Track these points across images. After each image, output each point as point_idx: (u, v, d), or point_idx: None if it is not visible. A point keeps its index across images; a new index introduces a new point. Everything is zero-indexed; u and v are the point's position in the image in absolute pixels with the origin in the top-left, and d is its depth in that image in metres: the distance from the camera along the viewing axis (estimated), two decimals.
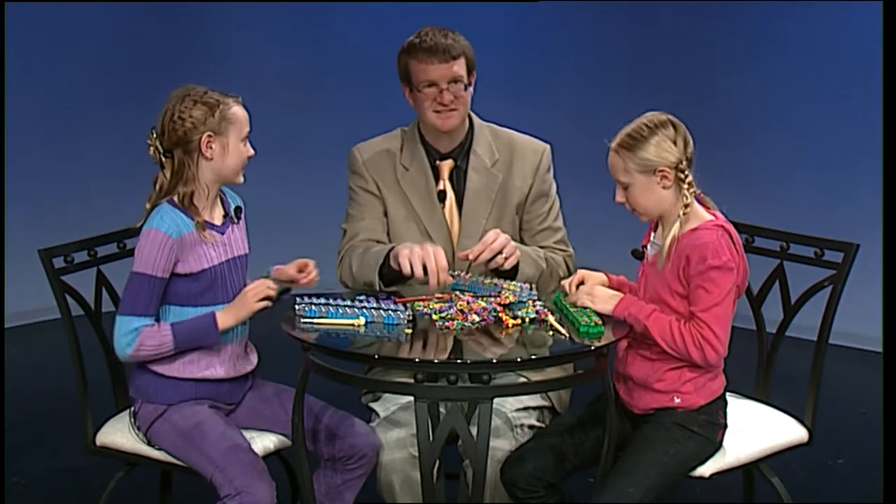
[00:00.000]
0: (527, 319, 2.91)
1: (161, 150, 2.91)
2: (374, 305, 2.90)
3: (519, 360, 2.72)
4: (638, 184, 2.86)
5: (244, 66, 6.11)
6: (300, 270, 3.02)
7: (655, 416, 2.94)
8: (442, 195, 3.33)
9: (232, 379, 3.03)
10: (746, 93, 5.83)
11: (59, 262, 3.07)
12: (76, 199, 5.80)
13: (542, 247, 3.36)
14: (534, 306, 2.96)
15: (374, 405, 3.24)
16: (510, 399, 3.14)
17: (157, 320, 2.93)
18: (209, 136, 2.89)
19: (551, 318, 2.90)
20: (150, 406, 2.98)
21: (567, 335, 2.83)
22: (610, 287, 3.01)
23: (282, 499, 3.00)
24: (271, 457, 3.06)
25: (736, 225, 2.95)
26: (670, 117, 2.87)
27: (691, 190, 2.85)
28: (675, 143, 2.83)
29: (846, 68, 5.53)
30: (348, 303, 2.90)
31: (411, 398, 2.80)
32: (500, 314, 2.93)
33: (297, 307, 2.91)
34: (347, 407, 3.12)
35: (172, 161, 2.91)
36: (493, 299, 3.01)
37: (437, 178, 3.35)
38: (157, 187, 2.93)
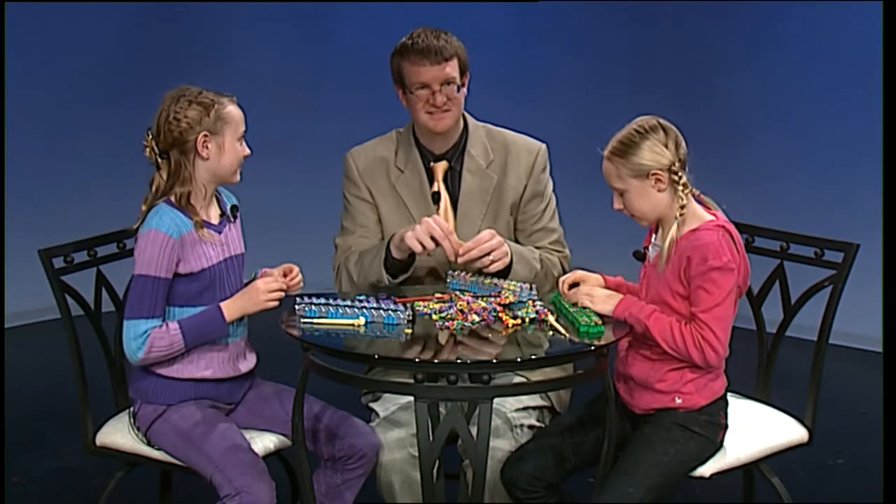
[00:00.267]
0: (527, 319, 2.91)
1: (157, 152, 2.91)
2: (374, 305, 2.90)
3: (519, 360, 2.72)
4: (633, 189, 2.86)
5: (244, 66, 6.11)
6: (285, 275, 3.01)
7: (656, 416, 2.94)
8: (436, 197, 3.33)
9: (231, 378, 3.03)
10: (746, 93, 5.83)
11: (58, 262, 3.07)
12: (76, 199, 5.80)
13: (537, 247, 3.36)
14: (534, 306, 2.96)
15: (374, 405, 3.24)
16: (510, 399, 3.15)
17: (164, 321, 2.92)
18: (205, 135, 2.89)
19: (551, 318, 2.90)
20: (149, 406, 2.98)
21: (567, 335, 2.83)
22: (607, 288, 3.01)
23: (282, 499, 3.00)
24: (271, 457, 3.06)
25: (736, 225, 2.95)
26: (660, 120, 2.87)
27: (686, 191, 2.86)
28: (666, 146, 2.84)
29: (846, 68, 5.53)
30: (348, 303, 2.90)
31: (411, 398, 2.80)
32: (500, 314, 2.93)
33: (297, 307, 2.91)
34: (347, 407, 3.12)
35: (168, 162, 2.91)
36: (493, 299, 3.01)
37: (432, 179, 3.34)
38: (154, 188, 2.93)
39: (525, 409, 3.18)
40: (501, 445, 3.04)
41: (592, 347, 2.77)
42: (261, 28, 6.26)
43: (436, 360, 2.68)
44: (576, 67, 6.14)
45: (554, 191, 3.44)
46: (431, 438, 2.72)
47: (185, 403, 2.97)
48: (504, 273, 3.18)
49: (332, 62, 6.31)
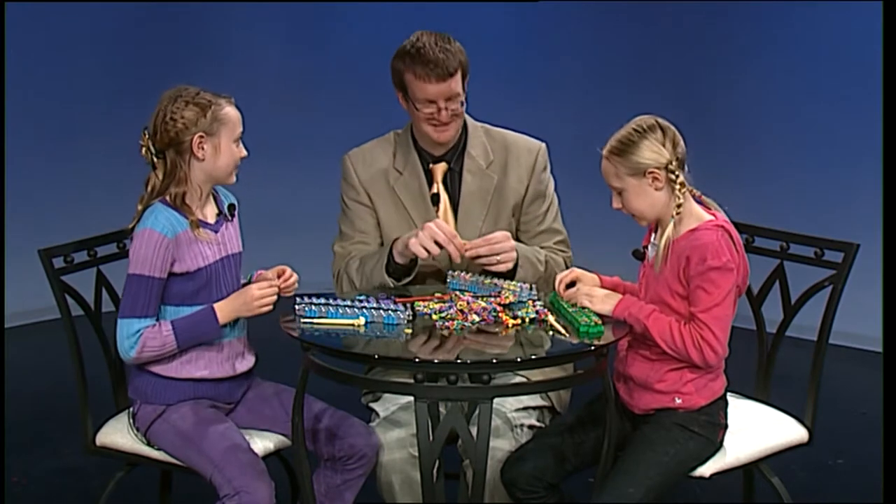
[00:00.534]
0: (527, 319, 2.91)
1: (153, 151, 2.91)
2: (374, 305, 2.90)
3: (519, 360, 2.72)
4: (630, 188, 2.87)
5: (244, 66, 6.11)
6: (279, 276, 3.00)
7: (656, 416, 2.94)
8: (436, 198, 3.32)
9: (230, 378, 3.02)
10: (746, 93, 5.83)
11: (58, 262, 3.07)
12: (76, 199, 5.80)
13: (542, 247, 3.35)
14: (534, 306, 2.96)
15: (374, 405, 3.23)
16: (510, 399, 3.14)
17: (158, 320, 2.92)
18: (200, 136, 2.88)
19: (551, 318, 2.90)
20: (148, 407, 2.98)
21: (567, 335, 2.83)
22: (604, 288, 3.02)
23: (282, 499, 3.00)
24: (271, 457, 3.06)
25: (736, 225, 2.95)
26: (658, 120, 2.87)
27: (683, 190, 2.86)
28: (663, 144, 2.84)
29: (846, 68, 5.52)
30: (348, 303, 2.90)
31: (411, 398, 2.80)
32: (500, 314, 2.93)
33: (297, 307, 2.91)
34: (347, 407, 3.12)
35: (164, 162, 2.91)
36: (493, 299, 3.01)
37: (431, 181, 3.33)
38: (149, 188, 2.93)
39: (525, 409, 3.17)
40: (501, 445, 3.04)
41: (592, 347, 2.77)
42: (261, 28, 6.26)
43: (436, 360, 2.68)
44: (576, 67, 6.14)
45: (555, 190, 3.44)
46: (431, 438, 2.72)
47: (184, 403, 2.97)
48: (510, 275, 3.18)
49: (331, 63, 6.31)
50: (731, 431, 3.01)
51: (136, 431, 3.02)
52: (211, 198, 3.01)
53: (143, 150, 2.92)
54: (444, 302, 3.00)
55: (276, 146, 5.97)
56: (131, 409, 3.04)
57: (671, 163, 2.84)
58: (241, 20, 6.21)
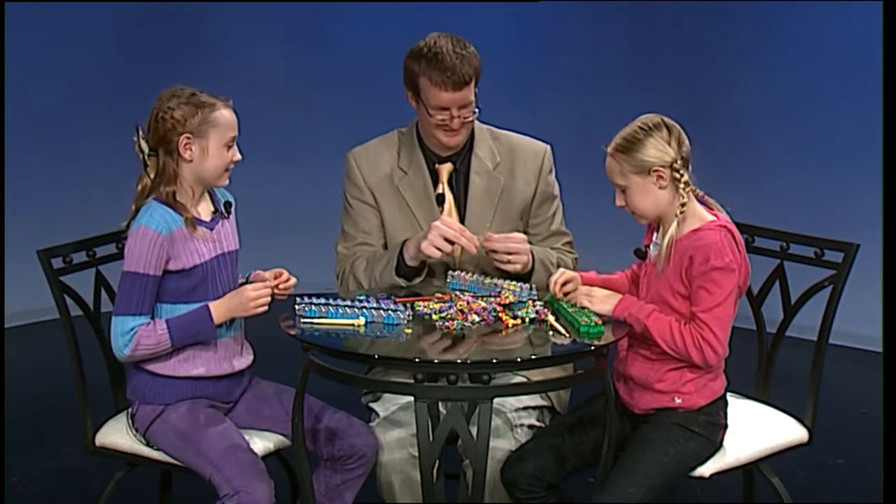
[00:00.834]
0: (527, 319, 2.91)
1: (146, 149, 2.90)
2: (374, 305, 2.90)
3: (519, 360, 2.71)
4: (634, 185, 2.87)
5: (244, 66, 6.11)
6: (276, 278, 2.99)
7: (656, 416, 2.94)
8: (440, 199, 3.31)
9: (229, 376, 3.02)
10: (746, 93, 5.83)
11: (58, 263, 3.07)
12: (76, 200, 5.80)
13: (552, 249, 3.35)
14: (534, 306, 2.96)
15: (374, 405, 3.23)
16: (510, 399, 3.14)
17: (153, 318, 2.92)
18: (187, 137, 2.87)
19: (551, 318, 2.90)
20: (147, 407, 2.98)
21: (567, 335, 2.83)
22: (584, 284, 3.02)
23: (281, 499, 3.00)
24: (271, 457, 3.06)
25: (736, 225, 2.95)
26: (664, 119, 2.87)
27: (687, 189, 2.86)
28: (668, 143, 2.84)
29: (846, 68, 5.53)
30: (348, 303, 2.90)
31: (411, 398, 2.80)
32: (500, 314, 2.93)
33: (297, 307, 2.90)
34: (347, 407, 3.12)
35: (157, 160, 2.91)
36: (493, 299, 3.01)
37: (436, 181, 3.33)
38: (140, 187, 2.93)
39: (525, 408, 3.17)
40: (501, 445, 3.04)
41: (592, 347, 2.77)
42: (261, 28, 6.26)
43: (436, 360, 2.68)
44: (576, 67, 6.14)
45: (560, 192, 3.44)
46: (431, 438, 2.72)
47: (182, 403, 2.96)
48: (524, 277, 3.17)
49: (331, 63, 6.31)
50: (731, 431, 3.01)
51: (135, 432, 3.02)
52: (206, 195, 3.00)
53: (136, 147, 2.91)
54: (444, 302, 3.00)
55: (276, 146, 5.98)
56: (130, 410, 3.04)
57: (676, 161, 2.84)
58: (241, 20, 6.21)
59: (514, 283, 3.07)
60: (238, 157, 2.95)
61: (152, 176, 2.92)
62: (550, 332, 2.86)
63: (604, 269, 3.14)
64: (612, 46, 6.10)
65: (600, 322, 2.84)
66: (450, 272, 3.16)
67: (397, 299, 2.96)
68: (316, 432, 3.03)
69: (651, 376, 2.93)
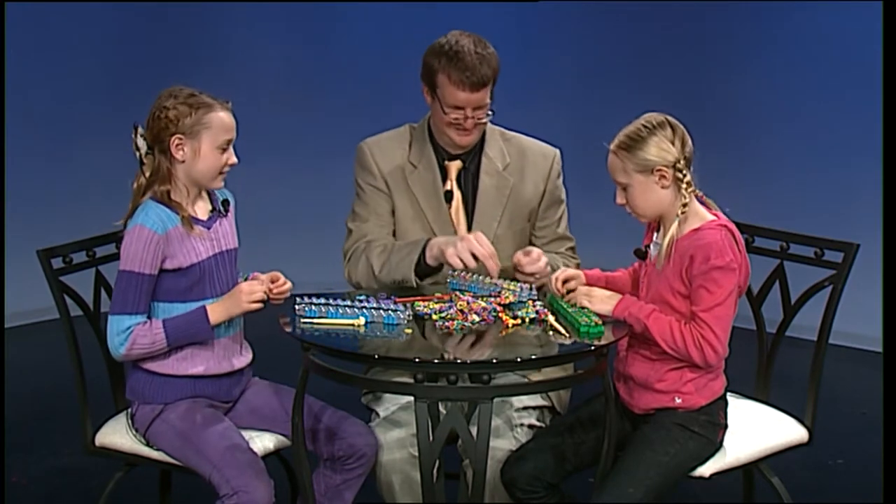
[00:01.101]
0: (527, 319, 2.91)
1: (142, 148, 2.89)
2: (374, 305, 2.90)
3: (519, 360, 2.71)
4: (636, 184, 2.87)
5: (244, 66, 6.11)
6: (273, 281, 2.99)
7: (656, 416, 2.94)
8: (449, 195, 3.31)
9: (228, 375, 3.02)
10: (746, 93, 5.83)
11: (57, 263, 3.07)
12: (75, 200, 5.80)
13: (556, 253, 3.35)
14: (534, 306, 2.96)
15: (374, 405, 3.23)
16: (510, 399, 3.14)
17: (149, 317, 2.92)
18: (179, 138, 2.86)
19: (551, 318, 2.90)
20: (146, 407, 2.98)
21: (567, 335, 2.83)
22: (589, 284, 3.02)
23: (281, 498, 2.99)
24: (271, 456, 3.06)
25: (736, 225, 2.94)
26: (668, 118, 2.87)
27: (689, 189, 2.86)
28: (672, 143, 2.84)
29: (846, 68, 5.53)
30: (348, 303, 2.90)
31: (411, 398, 2.80)
32: (500, 314, 2.93)
33: (297, 307, 2.90)
34: (347, 407, 3.12)
35: (153, 158, 2.90)
36: (493, 299, 3.01)
37: (445, 177, 3.32)
38: (136, 185, 2.92)
39: (525, 408, 3.17)
40: (501, 445, 3.04)
41: (592, 347, 2.77)
42: (261, 28, 6.26)
43: (436, 360, 2.68)
44: (576, 67, 6.14)
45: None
46: (431, 438, 2.72)
47: (181, 402, 2.96)
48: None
49: (331, 62, 6.31)
50: (731, 431, 3.01)
51: (134, 432, 3.02)
52: (204, 194, 3.00)
53: (133, 145, 2.91)
54: (444, 302, 3.00)
55: (276, 146, 5.98)
56: (129, 410, 3.04)
57: (679, 161, 2.84)
58: (241, 20, 6.21)
59: (514, 283, 3.07)
60: (233, 160, 2.93)
61: (147, 175, 2.91)
62: (550, 332, 2.86)
63: (604, 269, 3.14)
64: (612, 46, 6.10)
65: (600, 322, 2.84)
66: (450, 272, 3.16)
67: (397, 299, 2.96)
68: (316, 432, 3.03)
69: (651, 376, 2.93)
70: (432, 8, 5.81)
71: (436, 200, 3.31)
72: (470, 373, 2.68)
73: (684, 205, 2.86)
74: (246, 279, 3.04)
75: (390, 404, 3.19)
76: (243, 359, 3.07)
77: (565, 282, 3.01)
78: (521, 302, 3.02)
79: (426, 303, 2.99)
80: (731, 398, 3.04)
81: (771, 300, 3.31)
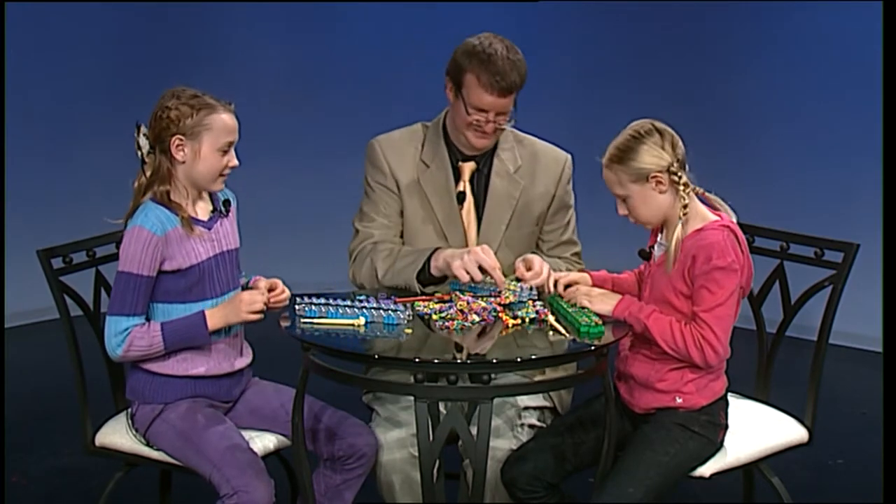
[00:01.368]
0: (527, 319, 2.91)
1: (144, 147, 2.89)
2: (374, 305, 2.90)
3: (519, 360, 2.71)
4: (635, 194, 2.87)
5: (244, 66, 6.11)
6: (271, 289, 2.98)
7: (656, 415, 2.94)
8: (461, 197, 3.30)
9: (228, 375, 3.02)
10: (746, 93, 5.83)
11: (57, 263, 3.07)
12: (76, 200, 5.80)
13: (560, 258, 3.35)
14: (534, 306, 2.96)
15: (374, 405, 3.23)
16: (511, 399, 3.14)
17: (148, 319, 2.92)
18: (179, 138, 2.86)
19: (551, 318, 2.90)
20: (146, 407, 2.97)
21: (567, 335, 2.83)
22: (595, 285, 3.02)
23: (281, 498, 2.99)
24: (271, 456, 3.06)
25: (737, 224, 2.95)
26: (655, 123, 2.87)
27: (687, 190, 2.86)
28: (663, 148, 2.84)
29: (846, 68, 5.53)
30: (348, 303, 2.90)
31: (411, 398, 2.80)
32: (500, 314, 2.93)
33: (297, 307, 2.90)
34: (347, 407, 3.12)
35: (154, 158, 2.90)
36: (493, 299, 3.01)
37: (457, 178, 3.31)
38: (137, 185, 2.92)
39: (526, 408, 3.17)
40: (502, 445, 3.04)
41: (592, 347, 2.77)
42: (261, 28, 6.26)
43: (436, 360, 2.68)
44: (576, 67, 6.14)
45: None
46: (431, 438, 2.72)
47: (181, 402, 2.96)
48: None
49: (332, 62, 6.31)
50: (731, 431, 3.01)
51: (134, 432, 3.02)
52: (205, 194, 2.99)
53: (135, 144, 2.90)
54: (444, 302, 3.00)
55: (275, 146, 5.98)
56: (129, 410, 3.04)
57: (672, 165, 2.84)
58: (241, 20, 6.20)
59: (514, 283, 3.07)
60: (234, 162, 2.92)
61: (148, 174, 2.91)
62: (550, 332, 2.86)
63: (605, 269, 3.14)
64: (612, 46, 6.10)
65: (600, 322, 2.84)
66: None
67: (397, 299, 2.96)
68: (316, 432, 3.03)
69: (652, 376, 2.93)
70: (432, 8, 5.80)
71: (448, 201, 3.29)
72: (470, 373, 2.68)
73: (685, 206, 2.86)
74: (248, 281, 3.04)
75: (390, 404, 3.18)
76: (244, 360, 3.07)
77: (567, 286, 3.01)
78: (521, 302, 3.02)
79: (426, 303, 3.00)
80: (731, 398, 3.04)
81: (771, 300, 3.31)
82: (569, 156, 3.38)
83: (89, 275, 3.15)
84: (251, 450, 2.93)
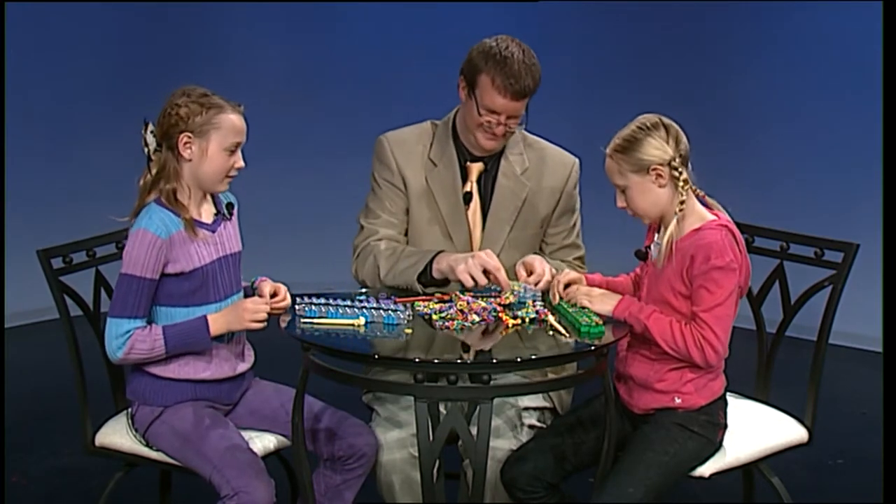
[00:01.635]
0: (527, 319, 2.91)
1: (151, 144, 2.88)
2: (374, 305, 2.90)
3: (519, 360, 2.71)
4: (634, 185, 2.87)
5: (244, 66, 6.11)
6: (274, 294, 2.98)
7: (656, 416, 2.95)
8: (468, 197, 3.30)
9: (230, 379, 3.02)
10: (746, 93, 5.83)
11: (57, 263, 3.06)
12: (76, 200, 5.80)
13: (563, 261, 3.35)
14: (534, 306, 2.96)
15: (374, 405, 3.23)
16: (511, 399, 3.14)
17: (150, 322, 2.92)
18: (188, 136, 2.85)
19: (551, 318, 2.90)
20: (146, 408, 2.97)
21: (567, 335, 2.83)
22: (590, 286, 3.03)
23: (281, 499, 2.99)
24: (271, 457, 3.06)
25: (736, 225, 2.95)
26: (661, 118, 2.88)
27: (686, 187, 2.86)
28: (667, 142, 2.85)
29: (846, 68, 5.53)
30: (348, 303, 2.90)
31: (411, 398, 2.80)
32: (500, 314, 2.93)
33: (297, 307, 2.90)
34: (347, 407, 3.12)
35: (161, 155, 2.90)
36: (493, 299, 3.01)
37: (465, 178, 3.30)
38: (142, 182, 2.91)
39: (526, 409, 3.18)
40: (502, 445, 3.04)
41: (592, 347, 2.77)
42: (261, 28, 6.26)
43: (436, 360, 2.68)
44: (576, 67, 6.14)
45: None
46: (431, 438, 2.72)
47: (182, 405, 2.96)
48: None
49: (332, 62, 6.31)
50: (730, 431, 3.01)
51: (134, 432, 3.02)
52: (208, 197, 2.99)
53: (142, 140, 2.90)
54: (444, 302, 3.00)
55: (276, 146, 5.97)
56: (129, 411, 3.04)
57: (674, 159, 2.85)
58: (241, 20, 6.21)
59: (514, 283, 3.07)
60: (241, 164, 2.91)
61: (154, 172, 2.91)
62: (550, 332, 2.86)
63: (604, 269, 3.14)
64: (612, 46, 6.10)
65: (600, 322, 2.84)
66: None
67: (397, 299, 2.96)
68: (316, 432, 3.03)
69: (651, 376, 2.93)
70: (432, 8, 5.80)
71: (454, 200, 3.28)
72: (470, 373, 2.68)
73: (682, 202, 2.86)
74: (253, 283, 3.04)
75: (390, 404, 3.18)
76: (245, 364, 3.06)
77: (566, 286, 3.01)
78: (521, 302, 3.02)
79: (426, 303, 3.00)
80: (730, 398, 3.04)
81: (771, 300, 3.31)
82: (576, 160, 3.38)
83: (89, 275, 3.15)
84: (251, 450, 2.93)
